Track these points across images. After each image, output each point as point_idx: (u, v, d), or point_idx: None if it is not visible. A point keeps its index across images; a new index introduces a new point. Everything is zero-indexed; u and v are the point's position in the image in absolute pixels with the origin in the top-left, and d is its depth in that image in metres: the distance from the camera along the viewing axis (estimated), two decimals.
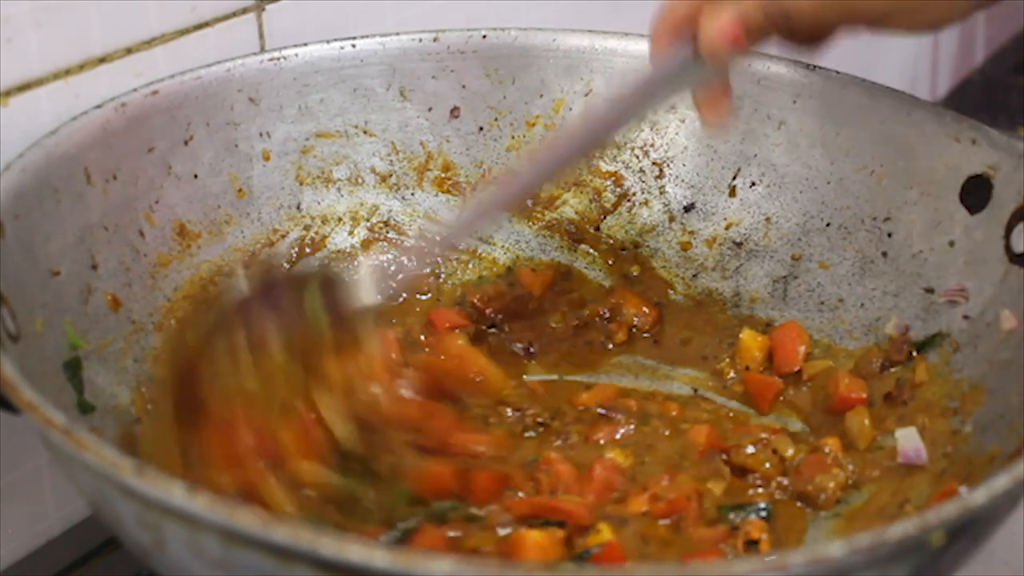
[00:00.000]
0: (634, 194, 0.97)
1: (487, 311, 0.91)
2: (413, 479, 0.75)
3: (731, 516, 0.76)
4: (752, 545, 0.75)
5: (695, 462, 0.80)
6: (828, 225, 0.92)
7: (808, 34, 0.75)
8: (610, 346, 0.91)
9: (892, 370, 0.84)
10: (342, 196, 0.93)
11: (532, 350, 0.90)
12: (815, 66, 0.92)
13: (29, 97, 0.81)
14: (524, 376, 0.88)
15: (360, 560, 0.52)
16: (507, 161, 0.97)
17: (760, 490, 0.79)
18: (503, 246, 0.96)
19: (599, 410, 0.85)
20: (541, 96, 0.96)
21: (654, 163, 0.97)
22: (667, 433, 0.83)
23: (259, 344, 0.73)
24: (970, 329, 0.82)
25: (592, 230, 0.97)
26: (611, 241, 0.97)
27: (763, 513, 0.77)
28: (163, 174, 0.84)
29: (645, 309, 0.92)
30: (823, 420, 0.84)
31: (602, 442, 0.82)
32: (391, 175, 0.95)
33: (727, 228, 0.95)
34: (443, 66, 0.94)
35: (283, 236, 0.91)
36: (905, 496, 0.76)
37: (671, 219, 0.96)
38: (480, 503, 0.75)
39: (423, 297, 0.93)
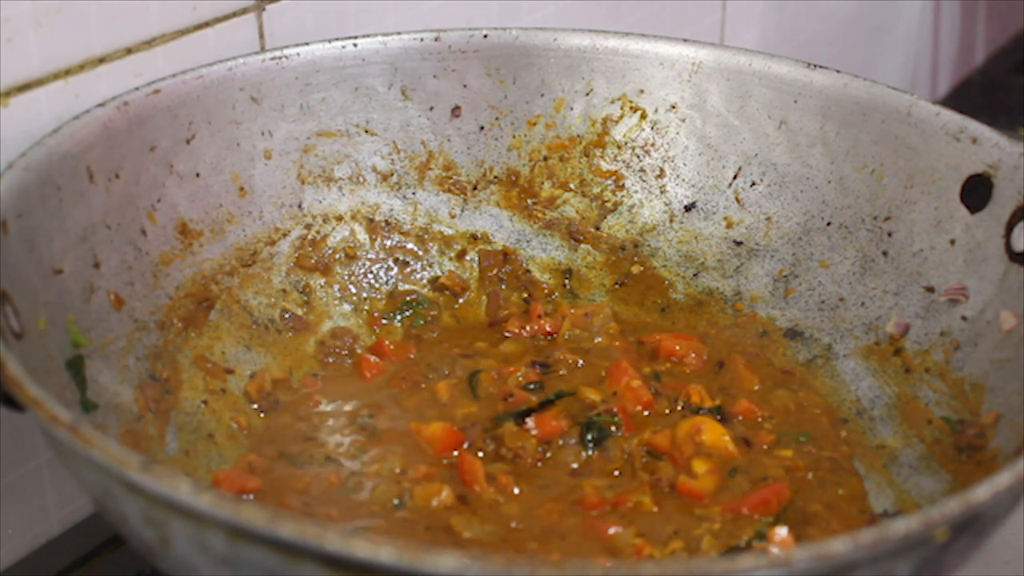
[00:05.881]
0: (635, 193, 0.97)
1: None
2: None
3: None
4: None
5: None
6: (829, 224, 0.92)
7: None
8: None
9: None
10: (343, 195, 0.94)
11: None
12: (815, 66, 0.92)
13: (29, 97, 0.81)
14: None
15: (366, 556, 0.52)
16: (508, 160, 0.97)
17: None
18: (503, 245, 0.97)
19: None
20: (542, 95, 0.96)
21: (655, 163, 0.97)
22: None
23: None
24: (970, 328, 0.83)
25: (593, 229, 0.97)
26: (612, 240, 0.97)
27: None
28: (165, 173, 0.84)
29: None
30: None
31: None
32: (392, 174, 0.95)
33: (728, 227, 0.95)
34: (444, 65, 0.94)
35: (284, 235, 0.91)
36: None
37: (672, 218, 0.97)
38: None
39: None
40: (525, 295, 0.96)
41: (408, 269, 0.95)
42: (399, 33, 0.93)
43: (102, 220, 0.79)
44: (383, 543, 0.52)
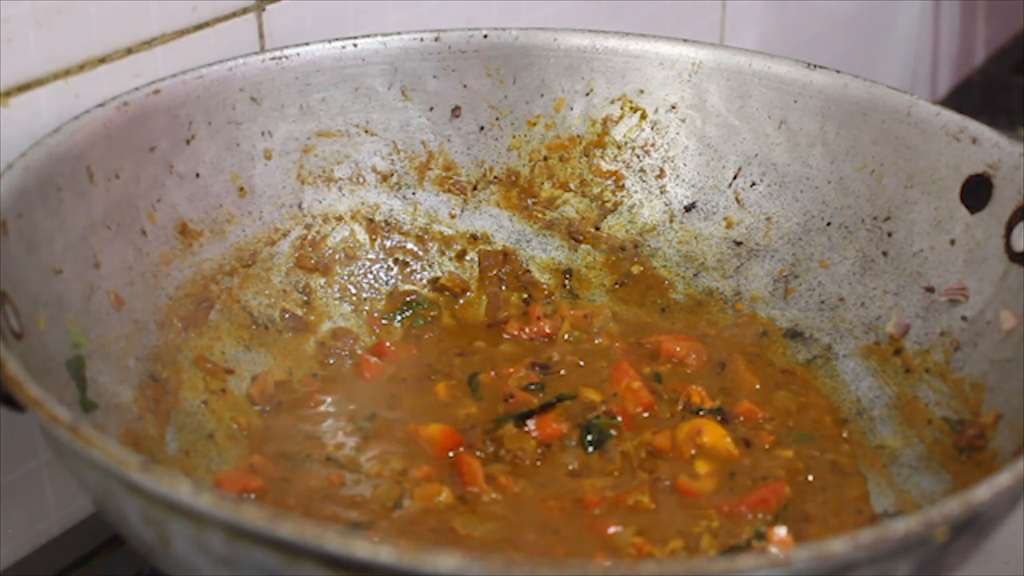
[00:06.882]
0: (635, 193, 0.97)
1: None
2: None
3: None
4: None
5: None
6: (828, 224, 0.92)
7: None
8: None
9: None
10: (343, 195, 0.94)
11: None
12: (815, 66, 0.92)
13: (29, 97, 0.81)
14: None
15: (366, 556, 0.52)
16: (508, 160, 0.97)
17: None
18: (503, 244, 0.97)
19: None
20: (542, 95, 0.96)
21: (655, 163, 0.97)
22: None
23: None
24: (970, 328, 0.83)
25: (593, 229, 0.97)
26: (612, 240, 0.97)
27: None
28: (165, 173, 0.84)
29: None
30: None
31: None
32: (392, 174, 0.95)
33: (728, 227, 0.95)
34: (444, 65, 0.94)
35: (284, 235, 0.91)
36: None
37: (672, 218, 0.97)
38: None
39: None
40: (525, 296, 0.96)
41: (408, 269, 0.95)
42: (399, 33, 0.93)
43: (102, 220, 0.79)
44: (383, 543, 0.52)
